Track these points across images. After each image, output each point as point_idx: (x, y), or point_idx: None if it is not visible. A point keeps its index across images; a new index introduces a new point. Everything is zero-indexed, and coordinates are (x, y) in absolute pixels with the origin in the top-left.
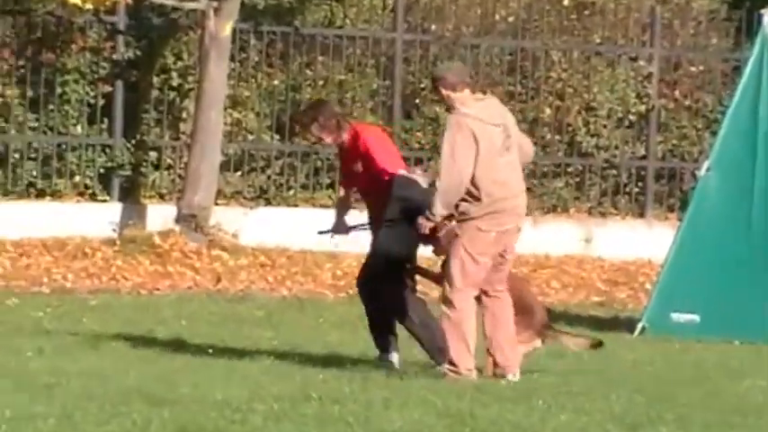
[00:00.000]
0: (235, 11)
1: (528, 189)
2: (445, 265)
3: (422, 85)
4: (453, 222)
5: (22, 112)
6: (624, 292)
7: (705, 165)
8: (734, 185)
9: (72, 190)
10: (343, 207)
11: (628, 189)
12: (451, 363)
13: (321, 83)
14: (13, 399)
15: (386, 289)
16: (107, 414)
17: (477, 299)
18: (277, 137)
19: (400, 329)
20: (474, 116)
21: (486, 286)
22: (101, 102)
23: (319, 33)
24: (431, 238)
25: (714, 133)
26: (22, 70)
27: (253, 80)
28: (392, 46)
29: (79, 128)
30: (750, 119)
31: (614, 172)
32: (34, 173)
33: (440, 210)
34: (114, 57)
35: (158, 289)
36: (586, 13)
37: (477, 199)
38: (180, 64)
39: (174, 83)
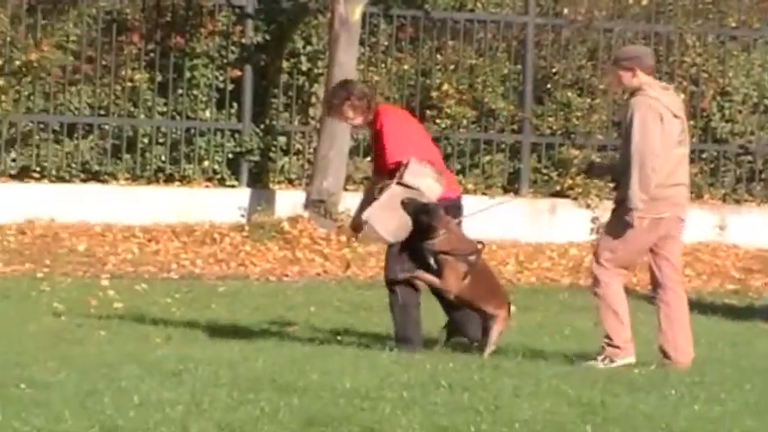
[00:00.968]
0: None
1: None
2: (601, 238)
3: (554, 70)
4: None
5: (151, 96)
6: (759, 281)
7: None
8: None
9: (201, 175)
10: (367, 198)
11: (763, 175)
12: (607, 337)
13: (451, 67)
14: (142, 385)
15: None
16: (235, 401)
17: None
18: None
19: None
20: (663, 102)
21: (661, 278)
22: (230, 86)
23: (450, 17)
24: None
25: None
26: (151, 55)
27: (382, 65)
28: (524, 30)
29: (208, 113)
30: None
31: (749, 158)
32: (163, 158)
33: (641, 198)
34: (243, 41)
35: (287, 275)
36: None
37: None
38: (309, 48)
39: (304, 67)
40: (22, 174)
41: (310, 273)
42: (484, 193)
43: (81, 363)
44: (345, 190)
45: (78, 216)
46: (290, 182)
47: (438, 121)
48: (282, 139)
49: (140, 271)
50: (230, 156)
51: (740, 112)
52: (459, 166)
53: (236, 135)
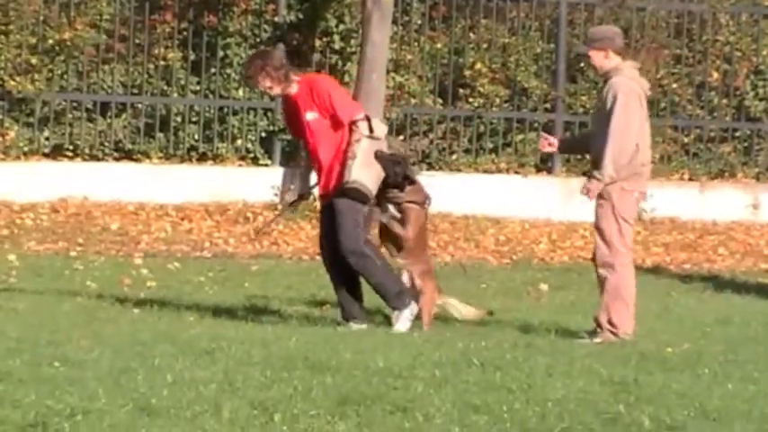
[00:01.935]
0: None
1: (695, 154)
2: (599, 227)
3: None
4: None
5: (184, 75)
6: None
7: None
8: None
9: (233, 154)
10: (309, 166)
11: None
12: (611, 323)
13: (484, 46)
14: (175, 363)
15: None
16: (268, 380)
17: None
18: (440, 101)
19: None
20: (640, 84)
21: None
22: None
23: None
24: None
25: None
26: (184, 33)
27: (415, 43)
28: (557, 9)
29: (241, 91)
30: None
31: None
32: (196, 136)
33: (610, 172)
34: (276, 20)
35: (320, 254)
36: None
37: (628, 161)
38: (342, 27)
39: (337, 46)
40: (56, 152)
41: None
42: (516, 172)
43: (114, 341)
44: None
45: (111, 195)
46: None
47: (471, 99)
48: None
49: (173, 250)
50: (263, 134)
51: None
52: (491, 145)
53: (269, 114)
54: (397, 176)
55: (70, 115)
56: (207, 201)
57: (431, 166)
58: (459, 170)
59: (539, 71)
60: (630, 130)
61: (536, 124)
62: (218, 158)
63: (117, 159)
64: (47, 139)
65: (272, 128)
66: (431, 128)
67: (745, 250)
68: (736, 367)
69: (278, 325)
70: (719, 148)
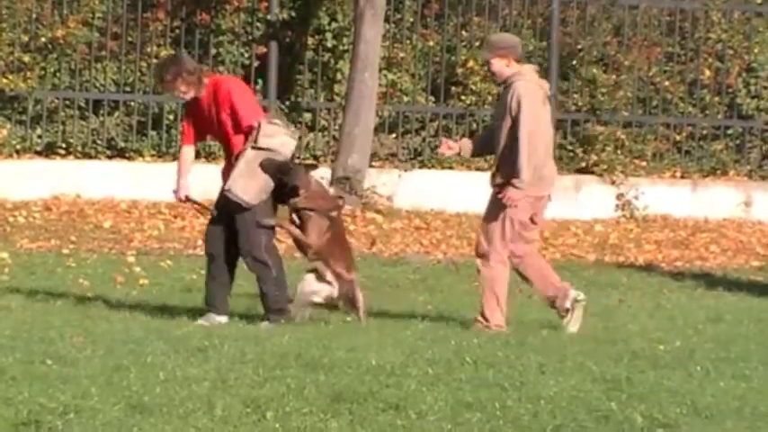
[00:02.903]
0: None
1: (687, 152)
2: (486, 223)
3: (579, 47)
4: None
5: None
6: None
7: None
8: None
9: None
10: (186, 166)
11: None
12: (483, 317)
13: (476, 44)
14: (168, 361)
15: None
16: (261, 377)
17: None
18: (432, 98)
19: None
20: (539, 85)
21: (489, 249)
22: (255, 63)
23: None
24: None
25: None
26: (177, 31)
27: (408, 41)
28: (549, 6)
29: None
30: None
31: None
32: None
33: (528, 178)
34: (269, 17)
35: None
36: None
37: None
38: (335, 25)
39: (329, 44)
40: (48, 150)
41: None
42: None
43: (107, 339)
44: (371, 167)
45: (104, 192)
46: (316, 158)
47: (463, 97)
48: (308, 116)
49: (166, 247)
50: None
51: (766, 88)
52: None
53: None
54: (284, 186)
55: (63, 113)
56: (199, 198)
57: (423, 164)
58: (451, 168)
59: None
60: (538, 134)
61: None
62: (210, 156)
63: (110, 157)
64: (39, 137)
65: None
66: (423, 125)
67: (736, 248)
68: (728, 365)
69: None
70: (711, 146)
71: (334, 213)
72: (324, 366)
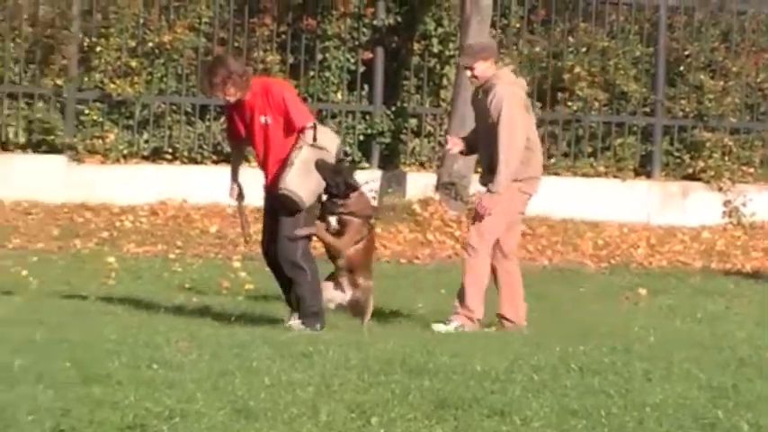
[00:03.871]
0: None
1: None
2: (477, 217)
3: (686, 52)
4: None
5: (283, 78)
6: None
7: None
8: None
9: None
10: (237, 164)
11: None
12: (467, 307)
13: (583, 50)
14: (273, 366)
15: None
16: (366, 383)
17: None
18: (539, 104)
19: None
20: (521, 87)
21: (507, 250)
22: (361, 68)
23: None
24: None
25: None
26: (283, 36)
27: (514, 47)
28: (656, 12)
29: (339, 95)
30: None
31: None
32: None
33: (505, 185)
34: (375, 23)
35: (418, 257)
36: None
37: (526, 163)
38: (440, 30)
39: (435, 49)
40: (155, 155)
41: (441, 255)
42: (615, 176)
43: (212, 343)
44: (476, 172)
45: (210, 197)
46: (422, 164)
47: (569, 103)
48: (413, 122)
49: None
50: (361, 138)
51: None
52: (590, 149)
53: (368, 117)
54: (337, 186)
55: (169, 118)
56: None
57: None
58: (557, 174)
59: (638, 75)
60: (518, 140)
61: (635, 128)
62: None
63: (215, 162)
64: (146, 141)
65: (370, 131)
66: None
67: None
68: None
69: (375, 328)
70: None
71: (372, 221)
72: (428, 372)
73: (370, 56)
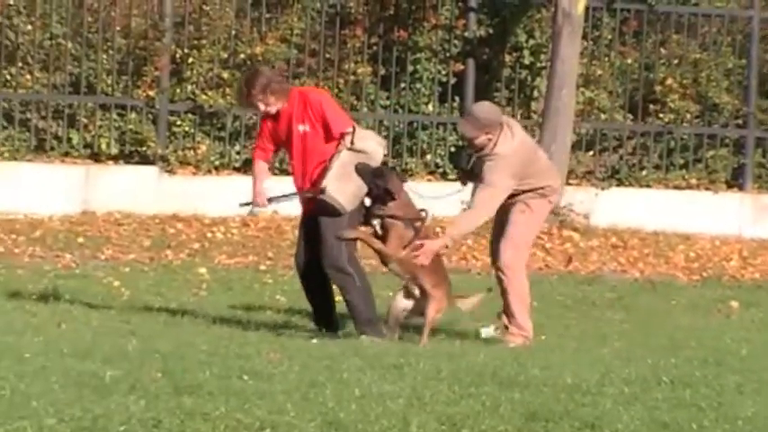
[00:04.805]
0: None
1: None
2: (511, 235)
3: None
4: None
5: (374, 89)
6: None
7: None
8: None
9: (423, 169)
10: (263, 175)
11: None
12: (520, 326)
13: (675, 61)
14: (363, 378)
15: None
16: (456, 395)
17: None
18: (630, 116)
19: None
20: (522, 142)
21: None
22: (452, 80)
23: (674, 11)
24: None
25: None
26: (374, 48)
27: (605, 58)
28: (749, 24)
29: (430, 106)
30: None
31: None
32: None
33: (460, 236)
34: (466, 34)
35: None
36: None
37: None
38: (532, 42)
39: (526, 61)
40: (246, 166)
41: (532, 267)
42: (707, 188)
43: (303, 355)
44: (568, 184)
45: (301, 209)
46: None
47: (661, 115)
48: None
49: (363, 264)
50: (452, 149)
51: None
52: (682, 161)
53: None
54: (378, 190)
55: None
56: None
57: (620, 182)
58: (648, 186)
59: (730, 87)
60: (491, 206)
61: (727, 140)
62: (407, 173)
63: None
64: (238, 153)
65: (461, 143)
66: (620, 143)
67: None
68: None
69: (466, 340)
70: None
71: (418, 224)
72: (519, 384)
73: (462, 67)
